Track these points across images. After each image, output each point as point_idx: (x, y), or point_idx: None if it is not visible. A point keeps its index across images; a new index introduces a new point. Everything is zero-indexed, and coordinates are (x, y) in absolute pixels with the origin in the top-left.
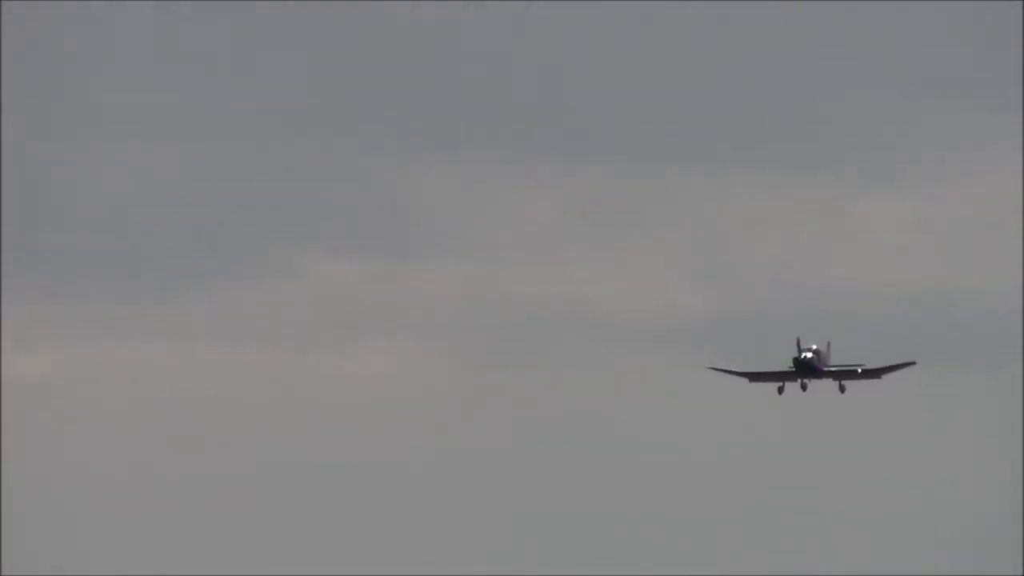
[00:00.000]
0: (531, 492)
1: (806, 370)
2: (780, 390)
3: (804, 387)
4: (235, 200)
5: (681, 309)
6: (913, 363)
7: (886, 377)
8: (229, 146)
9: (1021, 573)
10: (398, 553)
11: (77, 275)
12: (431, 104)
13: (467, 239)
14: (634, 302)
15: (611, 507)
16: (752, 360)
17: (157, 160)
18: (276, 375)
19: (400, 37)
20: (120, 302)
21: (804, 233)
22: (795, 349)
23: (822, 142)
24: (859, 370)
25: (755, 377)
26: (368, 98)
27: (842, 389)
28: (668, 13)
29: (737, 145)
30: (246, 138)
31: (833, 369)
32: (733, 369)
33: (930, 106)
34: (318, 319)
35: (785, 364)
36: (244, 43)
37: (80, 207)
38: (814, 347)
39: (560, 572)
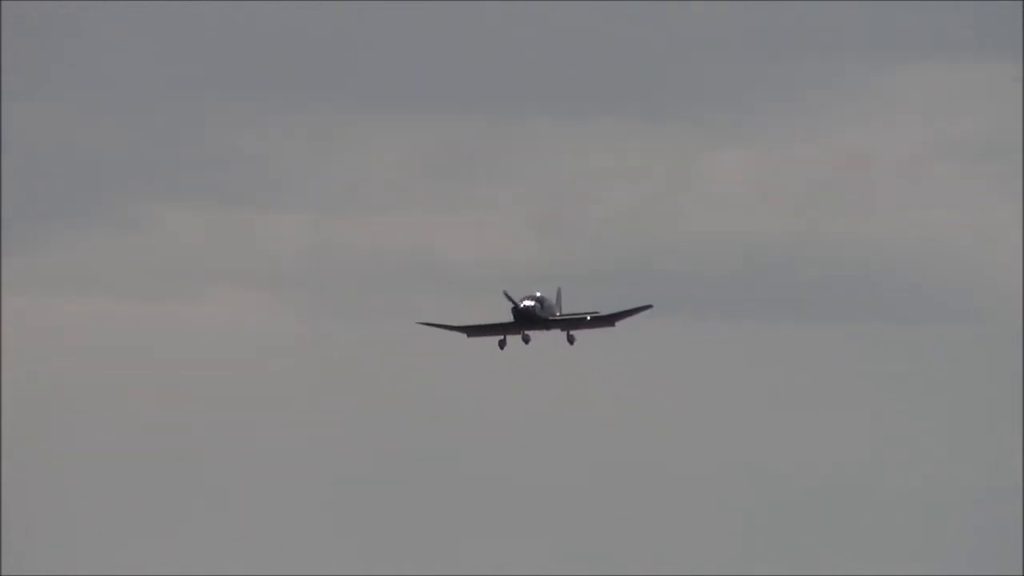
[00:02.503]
0: (369, 445)
1: (528, 320)
2: (501, 344)
3: (527, 339)
4: (81, 150)
5: (525, 260)
6: (649, 307)
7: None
8: (74, 96)
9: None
10: (244, 509)
11: None
12: (280, 55)
13: (313, 190)
14: (477, 252)
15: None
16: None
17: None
18: (122, 326)
19: None
20: None
21: (652, 183)
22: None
23: (672, 92)
24: (588, 317)
25: (472, 331)
26: (218, 49)
27: (571, 340)
28: None
29: (588, 95)
30: (93, 88)
31: (560, 318)
32: (447, 323)
33: (783, 57)
34: (163, 269)
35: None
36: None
37: None
38: (537, 294)
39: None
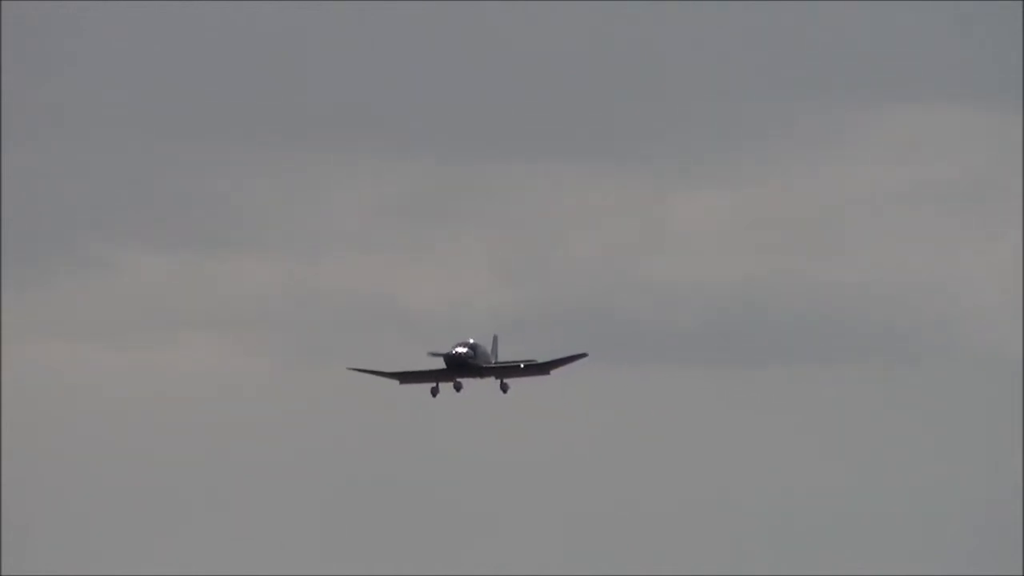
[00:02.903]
0: (337, 484)
1: (461, 367)
2: (434, 392)
3: (458, 387)
4: (49, 194)
5: (489, 305)
6: (584, 355)
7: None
8: (42, 139)
9: None
10: (212, 547)
11: None
12: (251, 98)
13: (282, 234)
14: (443, 298)
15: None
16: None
17: None
18: (91, 370)
19: (220, 30)
20: None
21: (617, 228)
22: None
23: (639, 136)
24: (522, 365)
25: (405, 378)
26: (187, 91)
27: (504, 388)
28: (480, 11)
29: (554, 139)
30: (60, 132)
31: (494, 366)
32: (378, 369)
33: (751, 101)
34: (132, 313)
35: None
36: (52, 36)
37: None
38: (470, 341)
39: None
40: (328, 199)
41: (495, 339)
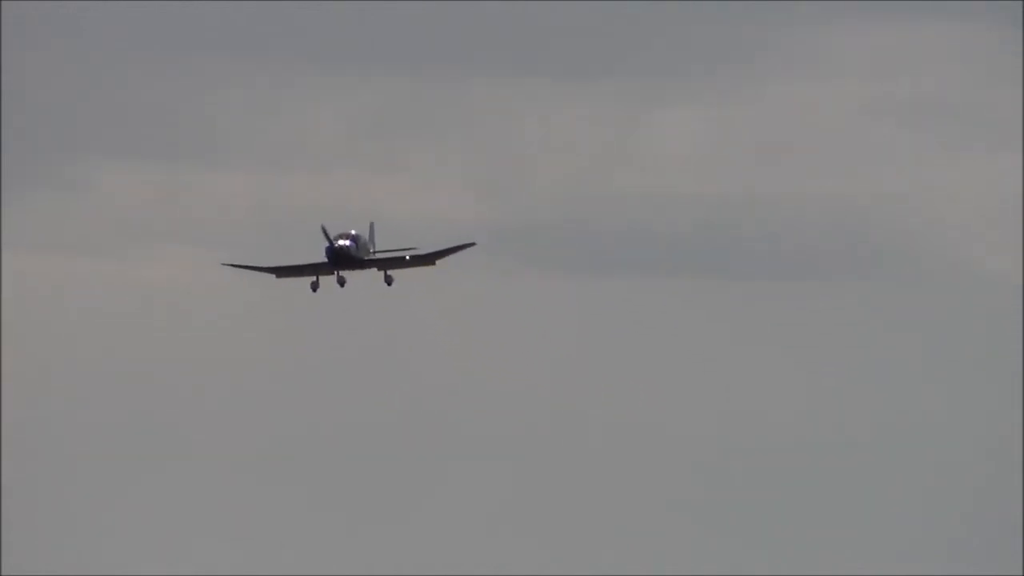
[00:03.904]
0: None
1: (343, 260)
2: (314, 286)
3: (342, 282)
4: (17, 108)
5: (465, 220)
6: (472, 244)
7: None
8: (12, 53)
9: None
10: (185, 466)
11: None
12: (224, 11)
13: (256, 148)
14: (418, 213)
15: None
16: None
17: None
18: (60, 283)
19: None
20: None
21: (593, 142)
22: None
23: (614, 50)
24: (407, 256)
25: (282, 272)
26: (164, 5)
27: (388, 280)
28: None
29: (532, 54)
30: (32, 44)
31: (377, 257)
32: (253, 264)
33: (726, 14)
34: (102, 228)
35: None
36: None
37: None
38: (352, 232)
39: None
40: (305, 114)
41: (371, 226)
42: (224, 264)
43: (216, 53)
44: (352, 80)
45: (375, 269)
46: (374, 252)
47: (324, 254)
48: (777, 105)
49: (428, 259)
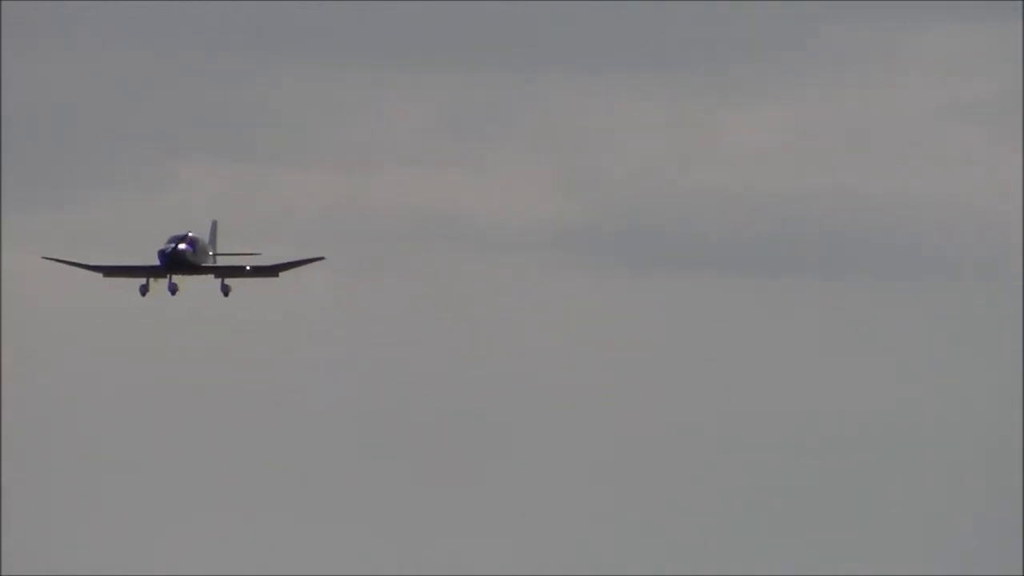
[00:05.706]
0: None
1: (177, 265)
2: (143, 290)
3: (174, 289)
4: (104, 108)
5: (550, 218)
6: (321, 258)
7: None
8: (98, 52)
9: None
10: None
11: None
12: (306, 9)
13: (339, 146)
14: (503, 211)
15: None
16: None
17: (25, 69)
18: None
19: None
20: None
21: (673, 139)
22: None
23: (693, 48)
24: (248, 267)
25: (110, 272)
26: (238, 5)
27: (226, 291)
28: None
29: (610, 52)
30: (115, 44)
31: (215, 265)
32: (77, 261)
33: (801, 16)
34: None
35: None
36: None
37: None
38: (190, 234)
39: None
40: (382, 113)
41: (214, 225)
42: (44, 258)
43: (294, 50)
44: (429, 78)
45: (212, 276)
46: (214, 256)
47: (156, 256)
48: (854, 103)
49: (271, 271)
